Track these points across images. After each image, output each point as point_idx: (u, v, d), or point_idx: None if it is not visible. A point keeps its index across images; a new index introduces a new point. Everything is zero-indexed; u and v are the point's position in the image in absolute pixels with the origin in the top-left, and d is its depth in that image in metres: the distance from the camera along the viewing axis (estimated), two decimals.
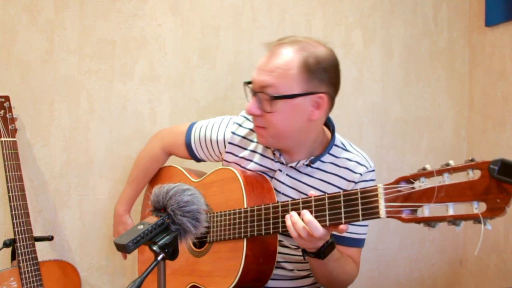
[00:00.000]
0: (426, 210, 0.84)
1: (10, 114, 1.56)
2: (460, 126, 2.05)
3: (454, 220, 0.80)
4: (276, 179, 1.29)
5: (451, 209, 0.81)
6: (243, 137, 1.35)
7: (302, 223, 1.03)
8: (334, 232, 1.18)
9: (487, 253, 1.93)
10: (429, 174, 0.84)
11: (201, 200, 0.93)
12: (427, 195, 0.83)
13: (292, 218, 1.04)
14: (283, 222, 1.08)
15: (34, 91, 1.66)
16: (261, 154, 1.32)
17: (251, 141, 1.34)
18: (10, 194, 1.48)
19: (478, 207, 0.78)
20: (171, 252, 0.88)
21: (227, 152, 1.35)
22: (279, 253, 1.24)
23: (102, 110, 1.72)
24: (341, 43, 1.90)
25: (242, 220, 1.17)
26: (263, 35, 1.81)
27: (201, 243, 1.31)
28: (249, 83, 1.22)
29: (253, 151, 1.33)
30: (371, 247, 1.96)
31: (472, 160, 0.79)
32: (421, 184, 0.85)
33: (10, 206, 1.48)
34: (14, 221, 1.47)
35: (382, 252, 1.99)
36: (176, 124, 1.58)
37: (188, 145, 1.42)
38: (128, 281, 1.75)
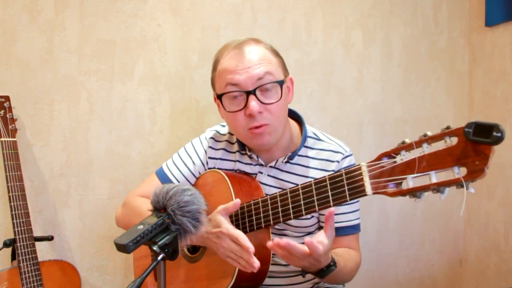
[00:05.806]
0: (410, 182, 0.85)
1: (10, 114, 1.57)
2: (460, 126, 2.04)
3: (438, 187, 0.81)
4: (259, 182, 1.28)
5: (434, 177, 0.81)
6: (222, 149, 1.35)
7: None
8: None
9: (487, 253, 1.93)
10: (409, 147, 0.85)
11: (201, 200, 0.94)
12: (409, 167, 0.84)
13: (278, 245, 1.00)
14: (274, 214, 1.10)
15: (34, 91, 1.66)
16: (240, 162, 1.32)
17: (230, 151, 1.35)
18: (10, 194, 1.48)
19: (459, 172, 0.78)
20: (171, 252, 0.88)
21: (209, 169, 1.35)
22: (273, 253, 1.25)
23: (102, 110, 1.72)
24: (341, 43, 1.90)
25: (233, 218, 1.18)
26: (263, 35, 1.81)
27: (194, 248, 1.31)
28: (220, 95, 1.20)
29: (233, 160, 1.34)
30: (371, 247, 1.95)
31: (448, 128, 0.80)
32: (402, 157, 0.86)
33: (10, 206, 1.48)
34: (14, 221, 1.48)
35: (382, 252, 1.99)
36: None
37: (166, 181, 1.33)
38: (128, 281, 1.75)
